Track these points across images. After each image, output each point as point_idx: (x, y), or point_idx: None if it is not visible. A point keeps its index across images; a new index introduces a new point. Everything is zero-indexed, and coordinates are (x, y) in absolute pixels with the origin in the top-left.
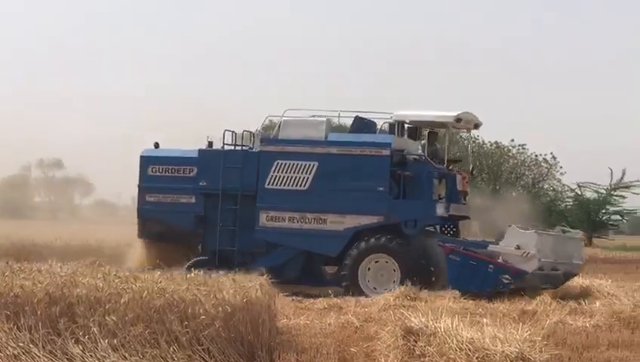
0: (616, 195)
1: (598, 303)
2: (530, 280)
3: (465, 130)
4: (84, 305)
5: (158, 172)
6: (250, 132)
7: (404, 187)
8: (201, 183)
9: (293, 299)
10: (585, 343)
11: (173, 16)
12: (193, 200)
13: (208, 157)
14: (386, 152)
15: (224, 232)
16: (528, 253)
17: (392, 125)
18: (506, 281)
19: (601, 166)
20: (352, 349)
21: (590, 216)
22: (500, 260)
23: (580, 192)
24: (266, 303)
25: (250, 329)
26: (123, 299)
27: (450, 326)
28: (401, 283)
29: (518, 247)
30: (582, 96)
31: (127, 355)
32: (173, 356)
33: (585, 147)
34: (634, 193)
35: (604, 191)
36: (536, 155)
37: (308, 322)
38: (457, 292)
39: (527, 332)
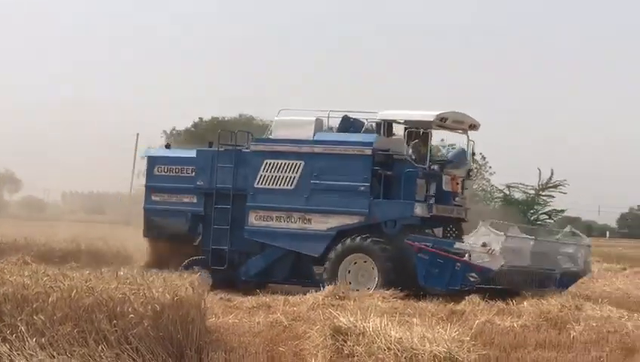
0: (544, 195)
1: (525, 303)
2: (504, 278)
3: (460, 131)
4: (11, 303)
5: (163, 172)
6: (247, 132)
7: (387, 187)
8: (198, 183)
9: (222, 298)
10: (512, 343)
11: None
12: (195, 200)
13: (204, 157)
14: (368, 151)
15: (217, 232)
16: (493, 251)
17: (378, 124)
18: (472, 279)
19: (531, 166)
20: (281, 348)
21: (526, 216)
22: (466, 258)
23: (508, 192)
24: (195, 302)
25: (180, 328)
26: (51, 298)
27: (378, 325)
28: (383, 283)
29: (485, 245)
30: (507, 94)
31: (55, 354)
32: (102, 355)
33: (511, 145)
34: (561, 192)
35: (533, 192)
36: None
37: (237, 321)
38: (386, 291)
39: (455, 332)
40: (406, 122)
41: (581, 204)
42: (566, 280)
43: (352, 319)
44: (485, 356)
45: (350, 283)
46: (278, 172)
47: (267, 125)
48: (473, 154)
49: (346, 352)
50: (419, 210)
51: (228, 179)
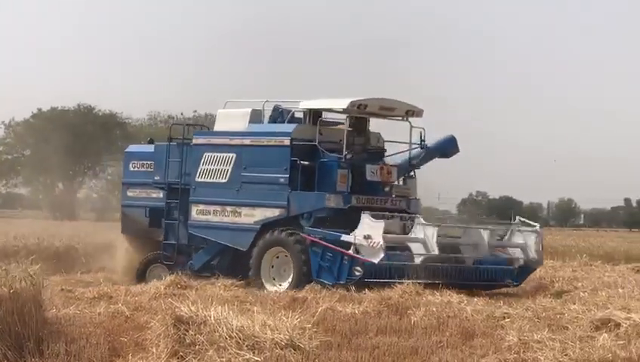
0: None
1: (367, 290)
2: (422, 271)
3: (399, 118)
4: None
5: (136, 167)
6: (201, 125)
7: (309, 178)
8: (155, 178)
9: (62, 289)
10: (354, 329)
11: None
12: (161, 195)
13: (160, 152)
14: (286, 142)
15: (168, 226)
16: (375, 243)
17: (304, 114)
18: (357, 273)
19: None
20: (122, 338)
21: None
22: (351, 251)
23: None
24: (32, 294)
25: (17, 320)
26: None
27: (220, 314)
28: (298, 276)
29: (368, 237)
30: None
31: None
32: None
33: None
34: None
35: None
36: None
37: (78, 312)
38: (228, 280)
39: (297, 319)
40: (322, 110)
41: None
42: (518, 273)
43: (193, 308)
44: (327, 342)
45: (274, 278)
46: (215, 165)
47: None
48: (422, 140)
49: (187, 341)
50: (331, 201)
51: (176, 174)
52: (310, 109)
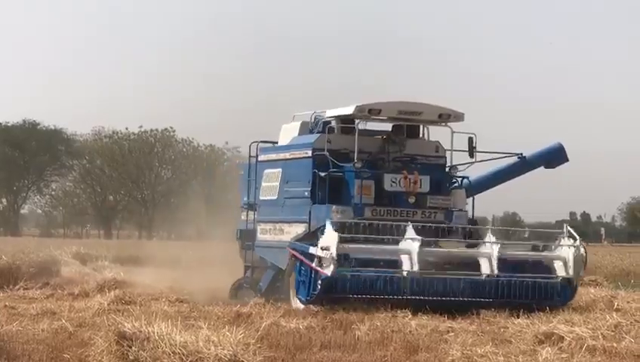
0: None
1: (312, 305)
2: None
3: (434, 124)
4: None
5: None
6: (273, 143)
7: (335, 190)
8: (243, 199)
9: (6, 306)
10: (298, 344)
11: None
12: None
13: (244, 172)
14: (309, 153)
15: (247, 248)
16: (330, 254)
17: (335, 123)
18: (319, 287)
19: None
20: (66, 355)
21: None
22: (314, 264)
23: None
24: None
25: None
26: None
27: (163, 330)
28: None
29: (326, 248)
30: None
31: None
32: None
33: None
34: None
35: None
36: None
37: (20, 328)
38: (172, 295)
39: (240, 334)
40: (333, 118)
41: None
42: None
43: (136, 324)
44: (270, 358)
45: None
46: (271, 181)
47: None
48: (474, 147)
49: (131, 358)
50: (338, 214)
51: (253, 193)
52: (337, 117)
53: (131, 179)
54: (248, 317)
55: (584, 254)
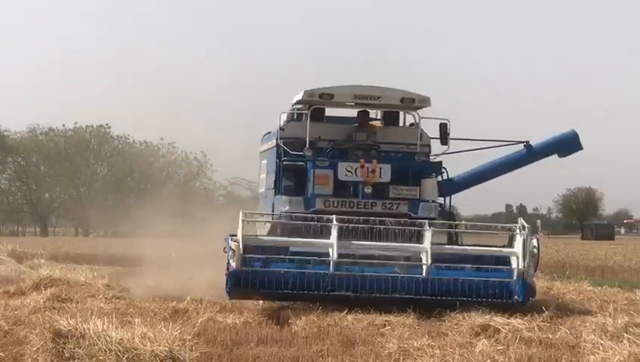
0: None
1: (249, 301)
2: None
3: (399, 109)
4: None
5: None
6: None
7: (299, 180)
8: None
9: None
10: (235, 340)
11: None
12: None
13: None
14: (274, 143)
15: None
16: (234, 246)
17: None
18: (228, 281)
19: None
20: (0, 354)
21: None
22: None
23: (230, 189)
24: None
25: None
26: None
27: (99, 327)
28: None
29: (235, 240)
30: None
31: None
32: None
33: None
34: None
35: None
36: (186, 153)
37: None
38: (109, 292)
39: (177, 330)
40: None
41: None
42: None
43: (72, 322)
44: (207, 354)
45: None
46: (262, 173)
47: None
48: (447, 134)
49: (67, 355)
50: (288, 205)
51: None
52: (295, 103)
53: (67, 176)
54: (185, 313)
55: (536, 249)
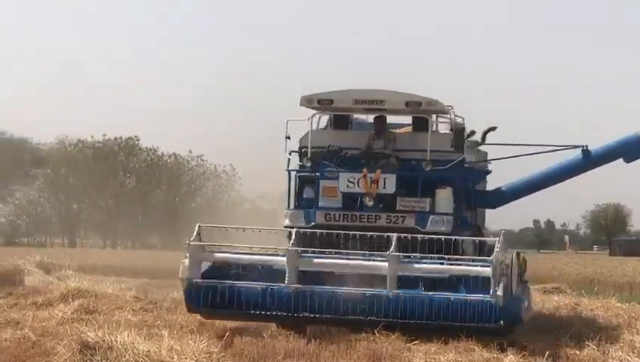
0: None
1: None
2: None
3: (405, 114)
4: None
5: None
6: None
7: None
8: None
9: None
10: (262, 353)
11: None
12: None
13: None
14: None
15: None
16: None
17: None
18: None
19: None
20: None
21: None
22: None
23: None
24: None
25: None
26: None
27: (126, 339)
28: None
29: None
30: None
31: None
32: None
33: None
34: None
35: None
36: (214, 166)
37: None
38: (137, 304)
39: (204, 343)
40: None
41: None
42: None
43: (100, 333)
44: None
45: None
46: None
47: None
48: (464, 139)
49: None
50: (288, 219)
51: None
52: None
53: (95, 188)
54: (212, 326)
55: (522, 266)
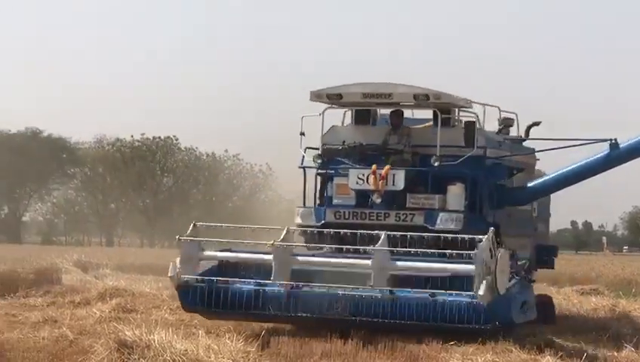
0: None
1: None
2: None
3: (417, 107)
4: None
5: None
6: None
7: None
8: None
9: (7, 313)
10: (299, 353)
11: None
12: None
13: None
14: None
15: None
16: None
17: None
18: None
19: None
20: None
21: None
22: None
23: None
24: None
25: None
26: None
27: (164, 338)
28: None
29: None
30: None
31: None
32: None
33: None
34: None
35: None
36: (251, 165)
37: (21, 336)
38: (174, 303)
39: (241, 343)
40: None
41: None
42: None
43: (137, 332)
44: None
45: None
46: None
47: None
48: (474, 134)
49: None
50: (300, 217)
51: None
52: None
53: (133, 187)
54: (249, 326)
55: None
